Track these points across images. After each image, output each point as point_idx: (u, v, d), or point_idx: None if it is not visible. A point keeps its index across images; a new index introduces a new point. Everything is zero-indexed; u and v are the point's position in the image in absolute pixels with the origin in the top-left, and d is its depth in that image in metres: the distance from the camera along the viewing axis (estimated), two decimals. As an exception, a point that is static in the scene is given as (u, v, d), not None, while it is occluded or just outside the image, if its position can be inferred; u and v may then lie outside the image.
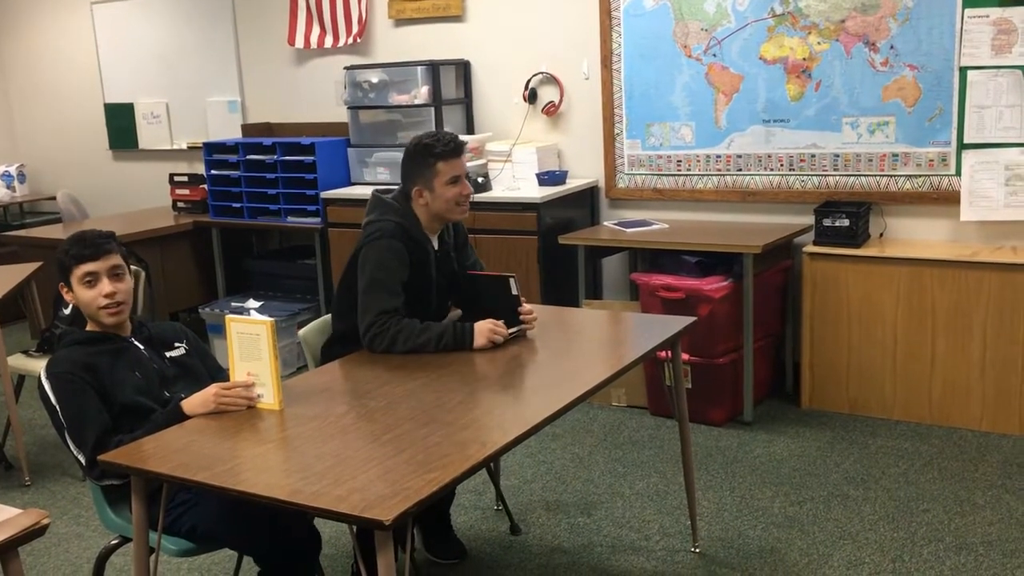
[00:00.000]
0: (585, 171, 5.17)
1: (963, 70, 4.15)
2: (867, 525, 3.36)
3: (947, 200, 4.29)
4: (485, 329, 2.86)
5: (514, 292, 2.95)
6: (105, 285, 2.59)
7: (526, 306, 2.98)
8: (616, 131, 5.02)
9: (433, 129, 5.20)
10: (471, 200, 3.15)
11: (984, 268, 4.00)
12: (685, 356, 4.08)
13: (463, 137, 5.08)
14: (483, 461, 2.12)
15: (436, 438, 2.22)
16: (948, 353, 4.10)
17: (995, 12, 4.04)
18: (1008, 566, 3.05)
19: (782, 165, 4.63)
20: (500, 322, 2.90)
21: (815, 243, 4.35)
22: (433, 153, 2.98)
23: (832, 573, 3.07)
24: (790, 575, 3.08)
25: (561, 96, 5.17)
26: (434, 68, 5.23)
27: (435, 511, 3.28)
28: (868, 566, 3.09)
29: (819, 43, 4.44)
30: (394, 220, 2.97)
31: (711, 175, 4.81)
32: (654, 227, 4.69)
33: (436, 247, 3.08)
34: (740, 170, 4.73)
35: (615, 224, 4.82)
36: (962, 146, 4.21)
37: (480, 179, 4.90)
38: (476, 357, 2.83)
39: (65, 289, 2.63)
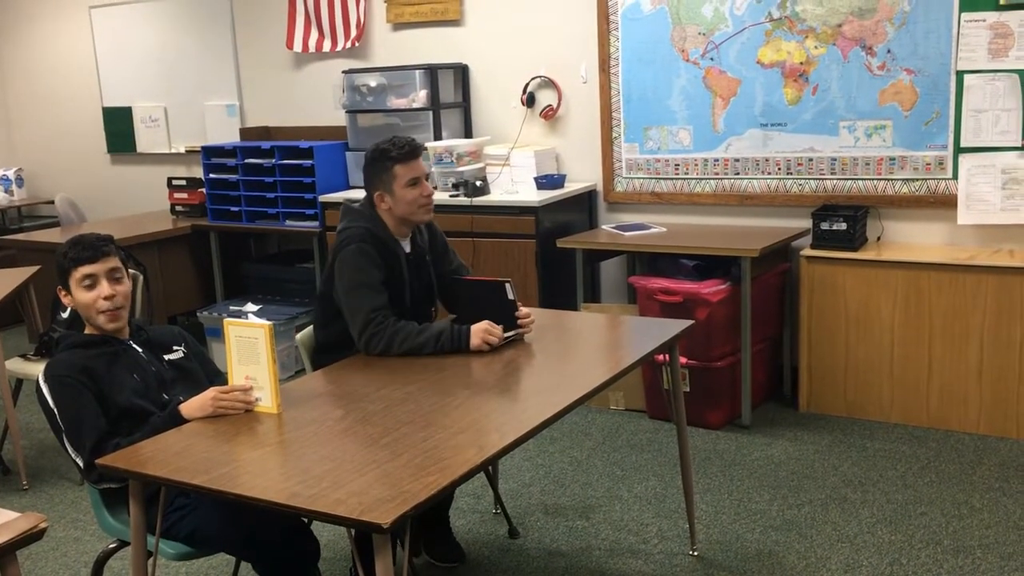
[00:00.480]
0: (583, 175, 5.17)
1: (960, 74, 4.16)
2: (865, 528, 3.37)
3: (944, 204, 4.30)
4: (479, 330, 2.89)
5: (510, 297, 2.97)
6: (104, 287, 2.59)
7: (523, 310, 3.01)
8: (614, 135, 5.02)
9: (433, 133, 5.23)
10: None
11: (981, 271, 4.00)
12: (683, 359, 4.08)
13: (455, 141, 5.14)
14: (481, 464, 2.13)
15: (434, 441, 2.22)
16: (945, 356, 4.11)
17: (992, 16, 4.05)
18: (1006, 569, 3.05)
19: (779, 169, 4.63)
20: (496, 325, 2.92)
21: (812, 246, 4.36)
22: (389, 157, 3.04)
23: (830, 576, 3.08)
24: (788, 578, 3.09)
25: (559, 100, 5.17)
26: (432, 72, 5.24)
27: (434, 514, 3.29)
28: (866, 569, 3.10)
29: (816, 47, 4.45)
30: (363, 226, 3.03)
31: (709, 179, 4.81)
32: (652, 230, 4.69)
33: (408, 250, 3.12)
34: (738, 174, 4.74)
35: (613, 227, 4.83)
36: (959, 150, 4.22)
37: (478, 183, 4.91)
38: (473, 361, 2.83)
39: (63, 293, 2.63)
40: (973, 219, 4.22)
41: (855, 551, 3.21)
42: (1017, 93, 4.06)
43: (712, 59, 4.68)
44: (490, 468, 3.49)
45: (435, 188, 4.91)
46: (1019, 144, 4.10)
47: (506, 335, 2.93)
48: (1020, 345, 3.96)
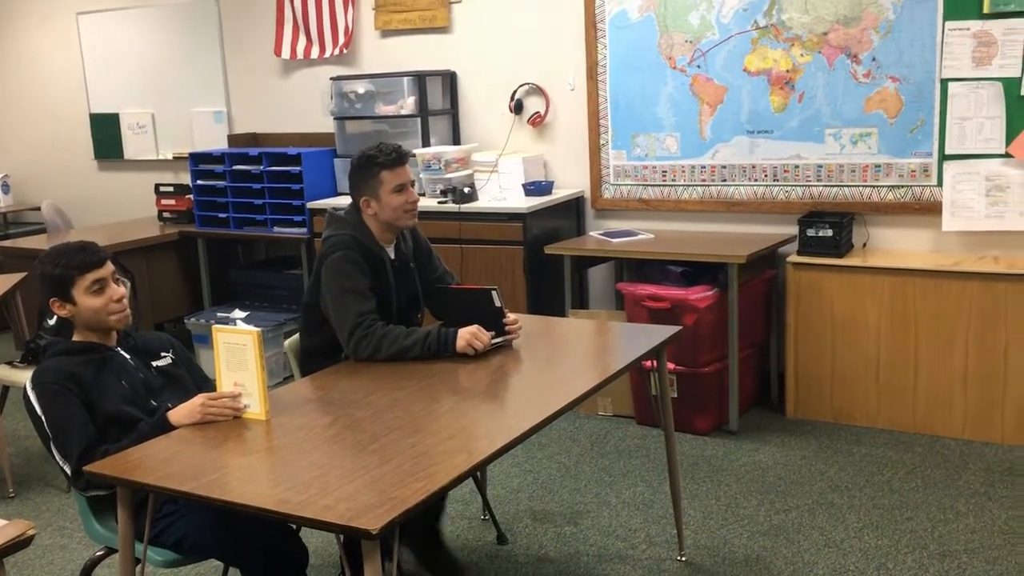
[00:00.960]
0: (571, 181, 5.19)
1: (944, 82, 4.20)
2: (851, 533, 3.38)
3: (929, 210, 4.33)
4: (467, 332, 2.90)
5: (497, 304, 2.98)
6: (115, 289, 2.59)
7: (511, 316, 3.02)
8: (601, 142, 5.04)
9: (421, 140, 5.24)
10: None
11: (966, 278, 4.03)
12: (671, 365, 4.09)
13: (443, 148, 5.14)
14: (470, 470, 2.13)
15: (423, 447, 2.22)
16: (931, 362, 4.13)
17: (975, 24, 4.09)
18: (991, 573, 3.07)
19: (766, 176, 4.66)
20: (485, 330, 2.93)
21: (799, 253, 4.38)
22: (376, 163, 3.06)
23: (817, 581, 3.09)
24: (775, 583, 3.10)
25: (547, 107, 5.19)
26: (420, 79, 5.25)
27: (425, 527, 3.25)
28: (852, 574, 3.11)
29: (802, 55, 4.48)
30: (348, 233, 3.05)
31: (696, 185, 4.83)
32: (639, 237, 4.71)
33: (393, 257, 3.14)
34: (724, 180, 4.76)
35: (601, 234, 4.84)
36: (944, 157, 4.25)
37: (466, 189, 4.92)
38: (461, 367, 2.84)
39: (58, 304, 2.58)
40: (958, 226, 4.25)
41: (842, 556, 3.23)
42: (1001, 101, 4.10)
43: (699, 67, 4.71)
44: (478, 474, 3.49)
45: (422, 195, 4.93)
46: (1003, 151, 4.14)
47: (494, 341, 2.93)
48: (1005, 351, 3.99)
